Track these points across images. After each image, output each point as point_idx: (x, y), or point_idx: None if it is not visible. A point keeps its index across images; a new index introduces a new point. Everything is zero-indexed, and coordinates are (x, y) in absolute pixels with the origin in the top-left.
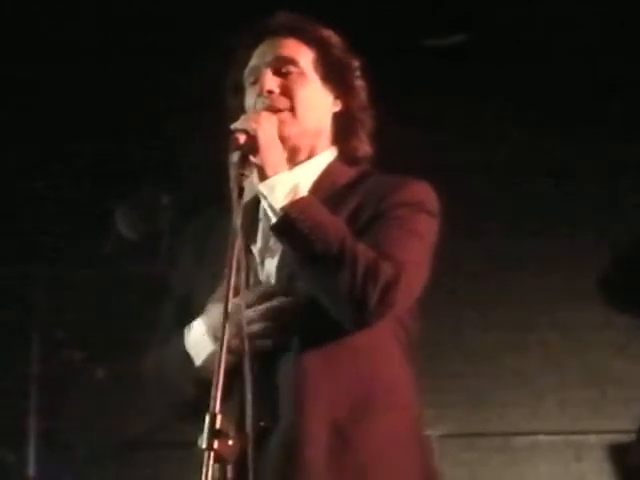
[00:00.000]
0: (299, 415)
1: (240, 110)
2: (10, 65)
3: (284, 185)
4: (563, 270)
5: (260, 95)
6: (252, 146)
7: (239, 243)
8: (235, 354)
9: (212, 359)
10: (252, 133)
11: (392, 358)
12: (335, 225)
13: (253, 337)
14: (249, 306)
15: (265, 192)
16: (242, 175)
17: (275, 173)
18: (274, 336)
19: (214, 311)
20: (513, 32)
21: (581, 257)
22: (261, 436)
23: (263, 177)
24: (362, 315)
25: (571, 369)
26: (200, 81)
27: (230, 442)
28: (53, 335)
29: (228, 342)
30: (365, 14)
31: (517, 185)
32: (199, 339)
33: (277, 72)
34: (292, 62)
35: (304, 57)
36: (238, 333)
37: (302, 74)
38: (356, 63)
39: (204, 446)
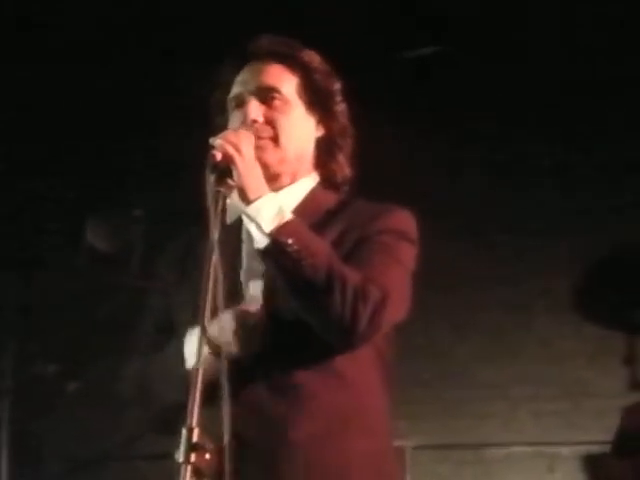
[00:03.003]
0: (280, 427)
1: (224, 129)
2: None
3: (269, 208)
4: (538, 280)
5: (244, 123)
6: (229, 167)
7: (215, 258)
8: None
9: (205, 364)
10: (229, 157)
11: (371, 386)
12: (322, 248)
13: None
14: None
15: (252, 215)
16: (219, 192)
17: (257, 196)
18: (242, 350)
19: (221, 317)
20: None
21: (556, 267)
22: (241, 446)
23: (244, 199)
24: (350, 336)
25: (544, 380)
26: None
27: (207, 455)
28: (27, 347)
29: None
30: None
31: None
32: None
33: (261, 100)
34: (275, 90)
35: (287, 84)
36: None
37: (286, 102)
38: (337, 86)
39: (181, 459)
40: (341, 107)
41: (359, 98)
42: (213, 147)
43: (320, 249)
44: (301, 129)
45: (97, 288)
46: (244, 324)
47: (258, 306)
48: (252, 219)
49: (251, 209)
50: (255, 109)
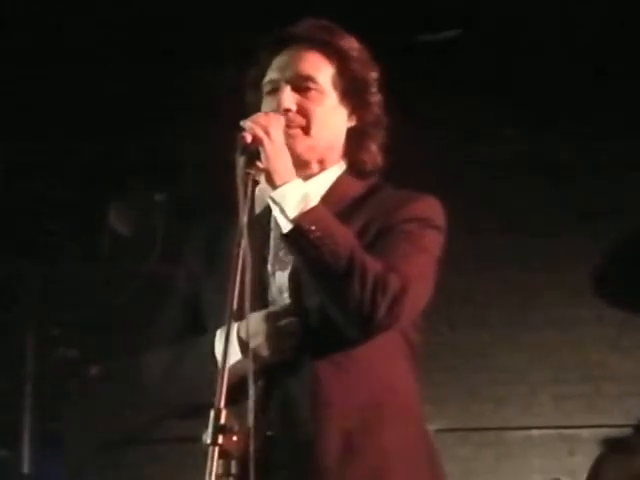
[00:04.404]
0: (311, 424)
1: (256, 108)
2: (10, 65)
3: (294, 194)
4: (558, 266)
5: (277, 111)
6: (258, 149)
7: (245, 242)
8: (262, 363)
9: (237, 366)
10: (259, 139)
11: (401, 371)
12: (345, 236)
13: (255, 351)
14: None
15: (277, 200)
16: (248, 174)
17: (284, 182)
18: (274, 354)
19: (251, 320)
20: (513, 31)
21: (576, 254)
22: (271, 444)
23: (271, 183)
24: (368, 326)
25: (565, 364)
26: (200, 82)
27: (234, 438)
28: (48, 333)
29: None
30: (360, 12)
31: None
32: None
33: (296, 88)
34: (311, 79)
35: (323, 73)
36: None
37: (320, 91)
38: (374, 75)
39: (209, 441)
40: (376, 97)
41: None
42: (243, 129)
43: (343, 237)
44: (333, 119)
45: (118, 273)
46: (276, 328)
47: (286, 304)
48: (277, 203)
49: (277, 194)
50: (289, 98)
